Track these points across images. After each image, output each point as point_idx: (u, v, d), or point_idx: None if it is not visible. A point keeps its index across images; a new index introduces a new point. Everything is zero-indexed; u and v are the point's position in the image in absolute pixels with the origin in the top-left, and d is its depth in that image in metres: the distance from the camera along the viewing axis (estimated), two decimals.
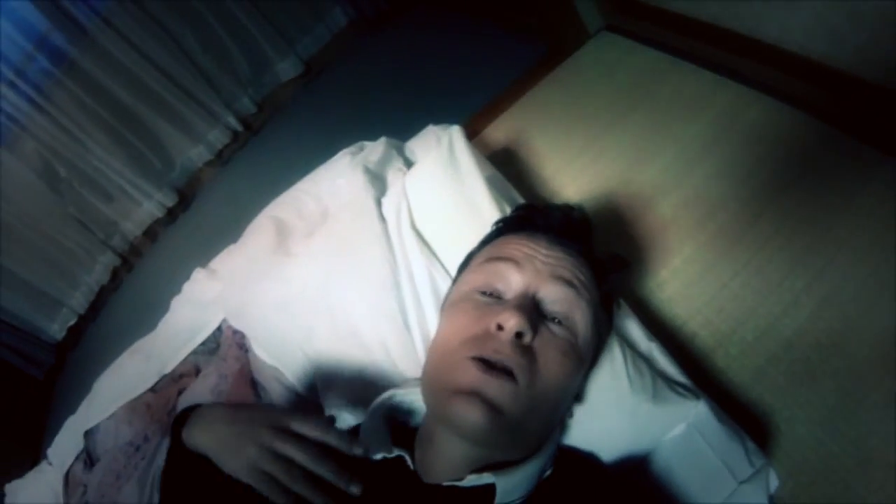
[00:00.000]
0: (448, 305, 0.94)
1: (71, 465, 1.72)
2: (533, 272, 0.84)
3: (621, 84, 1.92)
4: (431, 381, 0.85)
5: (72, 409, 1.95)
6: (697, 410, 0.98)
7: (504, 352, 0.76)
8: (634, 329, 1.12)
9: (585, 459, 0.95)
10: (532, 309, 0.80)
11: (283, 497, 0.77)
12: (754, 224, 1.37)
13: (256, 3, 3.57)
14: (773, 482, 0.99)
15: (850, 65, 1.34)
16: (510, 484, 0.77)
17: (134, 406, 1.63)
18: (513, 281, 0.85)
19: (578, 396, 0.93)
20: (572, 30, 2.15)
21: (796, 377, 1.15)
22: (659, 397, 0.97)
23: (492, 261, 0.89)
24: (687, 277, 1.37)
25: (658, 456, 0.99)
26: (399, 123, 2.04)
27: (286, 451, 0.80)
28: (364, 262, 1.30)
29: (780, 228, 1.34)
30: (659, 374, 1.03)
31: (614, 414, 0.96)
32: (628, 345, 1.05)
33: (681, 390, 1.01)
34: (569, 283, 0.84)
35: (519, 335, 0.77)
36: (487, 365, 0.75)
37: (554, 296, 0.83)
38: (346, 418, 1.23)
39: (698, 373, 1.20)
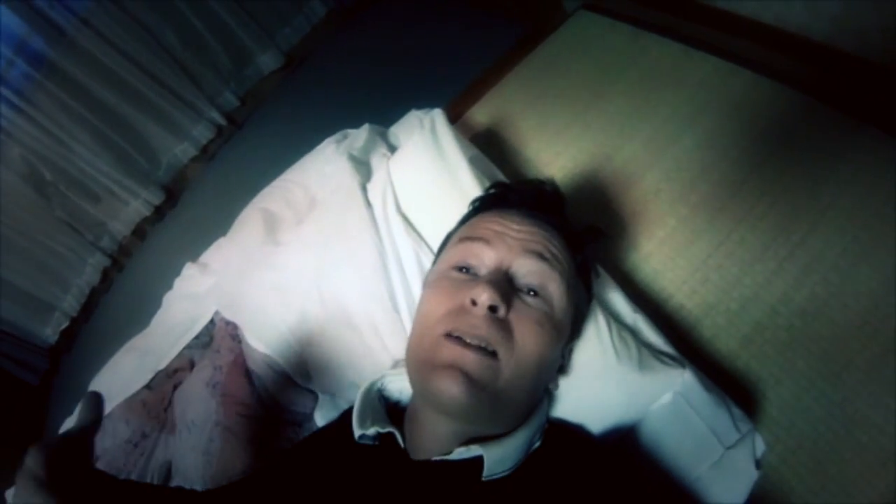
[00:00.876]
0: (426, 285, 0.95)
1: None
2: (504, 248, 0.85)
3: (601, 61, 1.92)
4: (413, 358, 0.86)
5: (69, 411, 1.95)
6: (683, 379, 1.00)
7: (480, 326, 0.77)
8: (619, 301, 1.13)
9: (574, 431, 0.97)
10: (504, 282, 0.81)
11: None
12: (736, 194, 1.39)
13: None
14: (760, 447, 1.01)
15: (826, 35, 1.36)
16: (498, 455, 0.78)
17: (130, 404, 1.64)
18: (485, 258, 0.86)
19: (563, 368, 0.95)
20: (550, 9, 2.17)
21: (781, 344, 1.18)
22: (645, 367, 0.99)
23: (465, 240, 0.90)
24: (671, 249, 1.39)
25: (646, 425, 1.01)
26: (382, 110, 2.05)
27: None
28: (353, 248, 1.32)
29: (761, 197, 1.35)
30: (644, 344, 1.05)
31: (601, 385, 0.97)
32: (613, 317, 1.07)
33: (666, 360, 1.02)
34: (540, 256, 0.84)
35: (493, 308, 0.78)
36: (464, 342, 0.76)
37: (526, 268, 0.84)
38: (338, 402, 1.26)
39: (686, 343, 1.22)
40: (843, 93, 1.37)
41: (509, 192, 1.01)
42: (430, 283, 0.92)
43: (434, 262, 1.02)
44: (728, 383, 1.12)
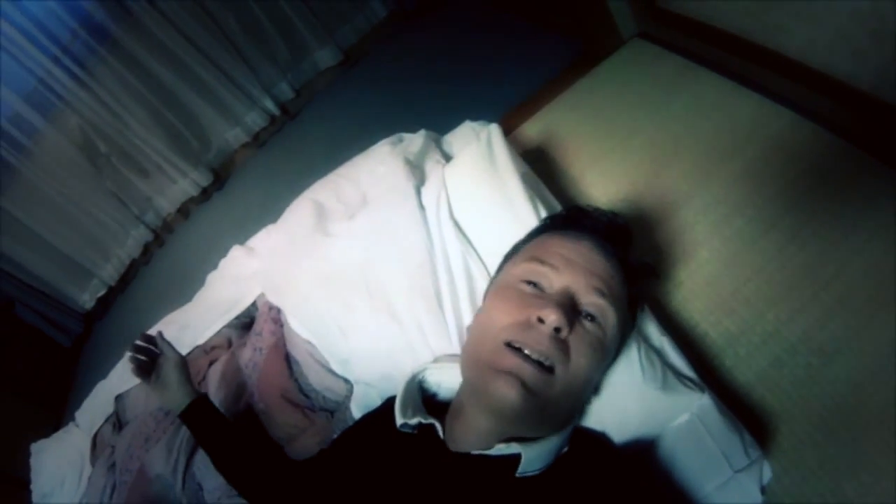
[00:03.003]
0: (494, 289, 1.03)
1: (100, 428, 1.81)
2: (572, 276, 0.92)
3: (650, 90, 1.95)
4: (472, 356, 0.94)
5: (97, 376, 2.04)
6: (702, 402, 1.05)
7: (543, 343, 0.85)
8: (649, 324, 1.18)
9: (598, 439, 1.03)
10: (570, 306, 0.88)
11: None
12: (769, 232, 1.41)
13: None
14: (767, 474, 1.07)
15: (870, 85, 1.37)
16: (533, 455, 0.86)
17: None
18: (554, 280, 0.93)
19: (596, 389, 1.01)
20: (607, 34, 2.20)
21: (798, 381, 1.20)
22: (668, 387, 1.04)
23: (535, 261, 0.96)
24: (702, 279, 1.42)
25: (663, 441, 1.06)
26: (433, 116, 2.07)
27: None
28: (403, 246, 1.38)
29: (793, 238, 1.38)
30: (669, 366, 1.10)
31: (626, 399, 1.03)
32: (643, 338, 1.12)
33: (688, 383, 1.08)
34: (602, 293, 0.91)
35: (557, 329, 0.85)
36: (525, 355, 0.84)
37: (590, 298, 0.91)
38: (370, 392, 1.32)
39: (707, 370, 1.26)
40: (882, 142, 1.39)
41: (584, 218, 1.07)
42: (498, 290, 0.99)
43: (500, 269, 1.09)
44: (743, 412, 1.15)
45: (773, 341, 1.27)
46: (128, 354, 1.35)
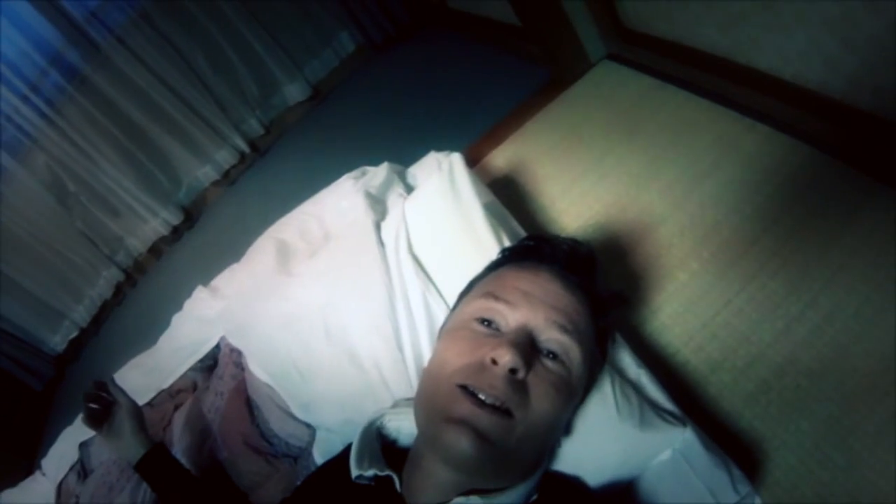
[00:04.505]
0: (446, 331, 0.95)
1: (65, 476, 1.75)
2: (530, 311, 0.85)
3: (620, 112, 1.94)
4: (424, 405, 0.86)
5: (69, 421, 1.98)
6: (684, 437, 0.99)
7: (498, 387, 0.77)
8: (624, 356, 1.13)
9: (571, 484, 0.96)
10: (527, 345, 0.81)
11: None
12: (748, 251, 1.38)
13: (266, 26, 3.63)
14: None
15: (843, 93, 1.35)
16: None
17: None
18: (510, 318, 0.86)
19: (567, 428, 0.94)
20: (575, 58, 2.19)
21: (787, 404, 1.16)
22: (646, 423, 0.98)
23: (490, 297, 0.89)
24: (680, 304, 1.38)
25: (644, 481, 1.00)
26: (404, 147, 2.06)
27: None
28: (362, 285, 1.32)
29: (773, 256, 1.35)
30: (647, 400, 1.04)
31: (601, 439, 0.97)
32: (617, 371, 1.06)
33: (668, 417, 1.02)
34: (564, 329, 0.84)
35: (513, 371, 0.78)
36: (480, 402, 0.76)
37: (550, 334, 0.84)
38: (332, 438, 1.27)
39: (690, 399, 1.21)
40: (859, 151, 1.37)
41: (544, 247, 1.00)
42: (450, 330, 0.92)
43: (455, 307, 1.02)
44: (730, 443, 1.11)
45: (758, 365, 1.23)
46: (82, 400, 1.30)
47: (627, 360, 1.12)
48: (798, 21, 1.33)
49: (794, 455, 1.11)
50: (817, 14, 1.27)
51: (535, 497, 0.85)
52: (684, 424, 1.01)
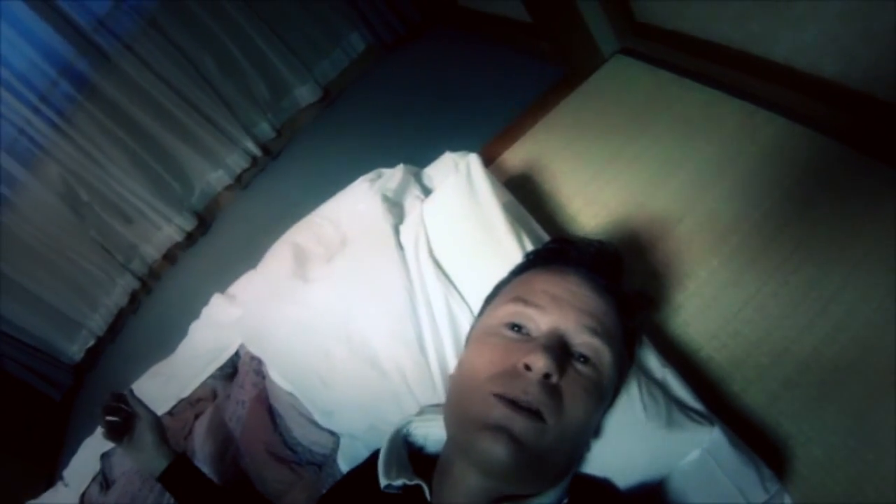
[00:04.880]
0: (475, 337, 0.95)
1: (87, 487, 1.76)
2: (560, 315, 0.85)
3: (635, 107, 1.92)
4: (457, 412, 0.86)
5: (89, 430, 1.99)
6: (712, 437, 0.98)
7: (532, 392, 0.77)
8: (649, 356, 1.12)
9: (601, 486, 0.96)
10: (559, 349, 0.81)
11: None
12: (769, 245, 1.37)
13: (275, 29, 3.62)
14: None
15: (861, 83, 1.34)
16: None
17: None
18: (541, 322, 0.85)
19: (596, 431, 0.94)
20: (588, 54, 2.17)
21: (812, 401, 1.15)
22: (673, 424, 0.97)
23: (518, 301, 0.89)
24: (702, 301, 1.37)
25: (673, 482, 0.99)
26: (417, 147, 2.06)
27: None
28: (382, 290, 1.31)
29: (795, 250, 1.33)
30: (673, 400, 1.03)
31: (629, 441, 0.96)
32: (643, 372, 1.05)
33: (695, 416, 1.01)
34: (594, 332, 0.84)
35: (547, 376, 0.78)
36: (515, 405, 0.76)
37: (581, 338, 0.84)
38: (356, 445, 1.26)
39: (714, 397, 1.19)
40: (879, 141, 1.35)
41: (570, 249, 1.00)
42: (480, 337, 0.92)
43: (481, 313, 1.02)
44: (757, 440, 1.10)
45: (782, 361, 1.21)
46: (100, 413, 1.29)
47: (652, 360, 1.11)
48: (813, 14, 1.32)
49: (821, 450, 1.09)
50: (833, 7, 1.25)
51: (565, 501, 0.85)
52: (712, 423, 1.00)
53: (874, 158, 1.35)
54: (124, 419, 1.28)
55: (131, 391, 1.35)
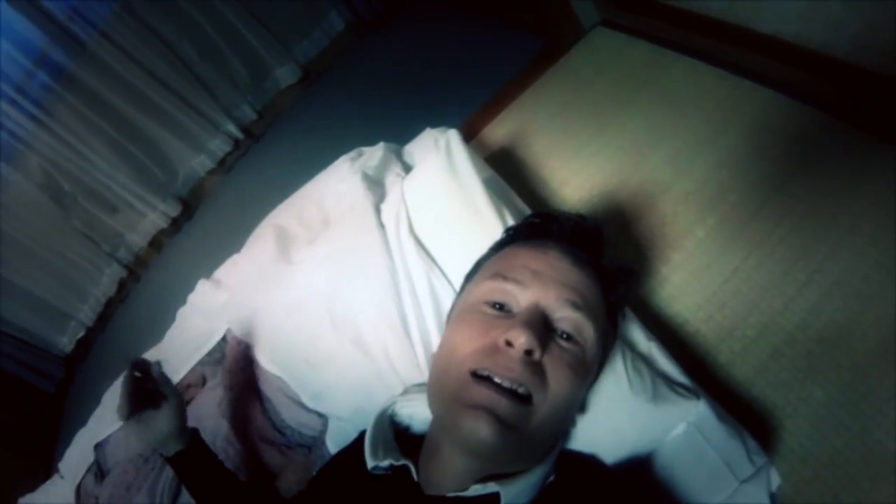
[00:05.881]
0: (455, 315, 0.94)
1: (82, 478, 1.75)
2: (541, 289, 0.84)
3: (618, 79, 1.92)
4: (438, 392, 0.85)
5: (83, 421, 1.99)
6: (698, 410, 0.99)
7: (514, 369, 0.76)
8: (634, 329, 1.12)
9: (587, 462, 0.96)
10: (541, 325, 0.80)
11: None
12: (755, 216, 1.37)
13: (252, 10, 3.58)
14: (775, 480, 1.00)
15: (847, 53, 1.33)
16: (514, 492, 0.77)
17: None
18: (521, 298, 0.84)
19: (581, 406, 0.94)
20: (568, 25, 2.16)
21: (799, 372, 1.16)
22: (659, 398, 0.97)
23: (498, 277, 0.88)
24: (688, 273, 1.37)
25: (660, 456, 0.99)
26: (399, 125, 2.04)
27: None
28: (365, 270, 1.30)
29: (781, 220, 1.34)
30: (659, 374, 1.03)
31: (615, 416, 0.96)
32: (628, 346, 1.05)
33: (681, 390, 1.01)
34: (575, 306, 0.83)
35: (529, 352, 0.77)
36: (499, 386, 0.76)
37: (564, 313, 0.83)
38: (345, 427, 1.25)
39: (701, 370, 1.21)
40: (865, 111, 1.35)
41: (550, 224, 0.99)
42: (459, 314, 0.91)
43: (462, 290, 1.01)
44: (743, 412, 1.11)
45: (769, 333, 1.23)
46: (121, 382, 1.14)
47: (637, 334, 1.11)
48: None
49: (807, 422, 1.11)
50: None
51: (552, 478, 0.85)
52: (697, 397, 1.01)
53: (861, 129, 1.35)
54: (149, 397, 1.16)
55: (159, 364, 1.23)
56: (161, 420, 1.13)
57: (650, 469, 0.99)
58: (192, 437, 1.19)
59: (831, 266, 1.23)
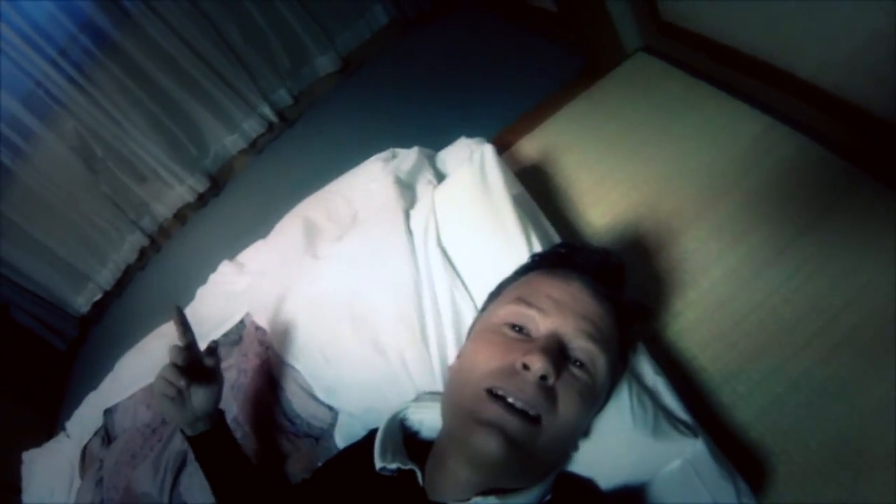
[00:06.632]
0: (476, 332, 0.99)
1: (89, 440, 1.78)
2: (561, 318, 0.88)
3: (653, 107, 1.93)
4: (454, 403, 0.90)
5: (91, 382, 2.02)
6: (695, 448, 1.01)
7: (528, 392, 0.80)
8: (643, 362, 1.14)
9: (584, 485, 0.99)
10: (557, 352, 0.84)
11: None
12: (775, 261, 1.39)
13: None
14: None
15: (885, 109, 1.33)
16: None
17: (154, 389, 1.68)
18: (541, 325, 0.89)
19: (586, 432, 0.97)
20: (610, 48, 2.18)
21: (798, 420, 1.17)
22: (659, 432, 1.00)
23: (522, 303, 0.92)
24: (701, 311, 1.39)
25: (654, 487, 1.02)
26: (432, 126, 2.07)
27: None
28: (389, 274, 1.34)
29: (799, 269, 1.35)
30: (661, 409, 1.06)
31: (615, 445, 0.99)
32: (635, 378, 1.08)
33: (681, 427, 1.04)
34: (592, 338, 0.87)
35: (543, 378, 0.81)
36: (511, 406, 0.80)
37: (579, 343, 0.87)
38: (354, 423, 1.29)
39: (703, 408, 1.23)
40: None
41: (576, 256, 1.03)
42: (481, 332, 0.95)
43: (484, 308, 1.06)
44: (739, 452, 1.13)
45: (773, 379, 1.24)
46: (175, 350, 1.13)
47: (646, 366, 1.14)
48: (844, 32, 1.32)
49: (801, 471, 1.13)
50: (866, 27, 1.25)
51: (548, 497, 0.88)
52: (696, 436, 1.03)
53: (890, 185, 1.36)
54: (199, 372, 1.17)
55: (216, 343, 1.25)
56: (201, 398, 1.15)
57: (642, 499, 1.02)
58: (217, 421, 1.22)
59: (844, 319, 1.24)
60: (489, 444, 0.77)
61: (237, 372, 1.52)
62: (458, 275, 1.29)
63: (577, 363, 0.86)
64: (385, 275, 1.35)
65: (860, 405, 1.14)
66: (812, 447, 1.14)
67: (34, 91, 3.34)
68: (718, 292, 1.40)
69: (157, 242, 3.97)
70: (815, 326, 1.26)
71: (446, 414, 0.93)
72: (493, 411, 0.79)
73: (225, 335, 1.71)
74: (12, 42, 3.12)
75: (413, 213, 1.48)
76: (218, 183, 3.99)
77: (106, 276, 3.85)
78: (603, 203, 1.73)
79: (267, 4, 3.58)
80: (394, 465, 0.93)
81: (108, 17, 3.29)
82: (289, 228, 1.75)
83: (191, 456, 1.43)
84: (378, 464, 0.94)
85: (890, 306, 1.21)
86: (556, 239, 1.39)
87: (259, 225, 1.98)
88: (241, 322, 1.70)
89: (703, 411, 1.20)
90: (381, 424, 1.03)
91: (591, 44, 2.26)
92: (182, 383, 1.10)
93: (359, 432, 1.20)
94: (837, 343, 1.23)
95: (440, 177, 1.67)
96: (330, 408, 1.37)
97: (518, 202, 1.36)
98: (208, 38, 3.52)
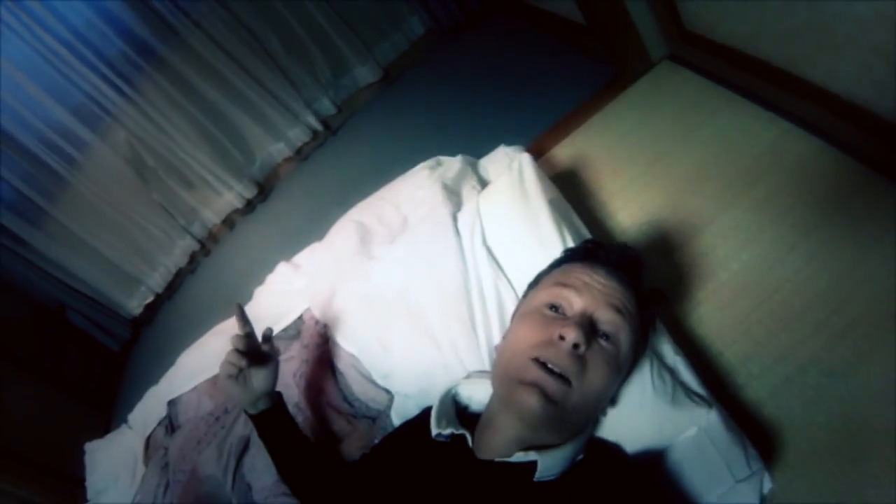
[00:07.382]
0: (520, 315, 1.15)
1: (153, 430, 1.90)
2: (591, 298, 1.04)
3: (677, 113, 2.02)
4: (502, 373, 1.06)
5: (145, 379, 2.14)
6: (709, 417, 1.14)
7: (563, 358, 0.97)
8: (664, 343, 1.27)
9: (612, 449, 1.14)
10: (588, 326, 1.00)
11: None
12: (786, 256, 1.48)
13: (338, 9, 3.73)
14: (767, 485, 1.15)
15: (890, 113, 1.41)
16: (550, 462, 0.97)
17: (215, 381, 1.82)
18: (574, 303, 1.05)
19: (613, 400, 1.11)
20: (637, 57, 2.27)
21: (807, 400, 1.28)
22: (677, 402, 1.14)
23: (559, 285, 1.09)
24: (719, 300, 1.50)
25: (672, 453, 1.16)
26: (469, 134, 2.12)
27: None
28: (440, 271, 1.48)
29: (808, 262, 1.45)
30: (680, 383, 1.19)
31: (638, 413, 1.13)
32: (657, 356, 1.22)
33: (696, 399, 1.17)
34: (618, 311, 1.03)
35: (576, 346, 0.97)
36: (549, 369, 0.96)
37: (606, 318, 1.03)
38: (408, 403, 1.43)
39: (719, 386, 1.33)
40: None
41: (600, 250, 1.18)
42: (524, 314, 1.11)
43: (525, 295, 1.21)
44: (752, 427, 1.23)
45: (784, 361, 1.34)
46: (236, 338, 1.30)
47: (666, 347, 1.27)
48: (850, 45, 1.39)
49: (808, 444, 1.23)
50: (869, 40, 1.33)
51: (581, 456, 1.03)
52: (710, 406, 1.16)
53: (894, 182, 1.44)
54: (258, 356, 1.32)
55: (271, 331, 1.42)
56: (261, 379, 1.32)
57: (663, 462, 1.16)
58: (276, 400, 1.38)
59: (849, 309, 1.34)
60: (531, 399, 0.93)
61: (299, 362, 1.63)
62: (501, 270, 1.44)
63: (605, 336, 1.01)
64: (436, 272, 1.49)
65: (863, 385, 1.24)
66: (820, 423, 1.23)
67: (85, 103, 3.46)
68: (735, 284, 1.50)
69: (206, 247, 4.07)
70: (822, 315, 1.36)
71: (496, 382, 1.09)
72: (535, 373, 0.96)
73: (284, 330, 1.83)
74: (61, 56, 3.26)
75: (460, 216, 1.61)
76: (264, 189, 4.09)
77: (157, 280, 3.94)
78: (631, 205, 1.83)
79: (307, 18, 3.70)
80: (448, 431, 1.09)
81: (155, 33, 3.44)
82: (344, 232, 1.85)
83: (252, 439, 1.55)
84: (434, 430, 1.10)
85: (891, 296, 1.30)
86: (588, 236, 1.51)
87: (306, 228, 2.02)
88: (300, 318, 1.81)
89: (719, 389, 1.30)
90: (434, 401, 1.18)
91: (618, 55, 2.35)
92: (244, 363, 1.26)
93: (413, 411, 1.35)
94: (842, 330, 1.32)
95: (482, 182, 1.80)
96: (387, 391, 1.50)
97: (554, 206, 1.49)
98: (251, 51, 3.65)
